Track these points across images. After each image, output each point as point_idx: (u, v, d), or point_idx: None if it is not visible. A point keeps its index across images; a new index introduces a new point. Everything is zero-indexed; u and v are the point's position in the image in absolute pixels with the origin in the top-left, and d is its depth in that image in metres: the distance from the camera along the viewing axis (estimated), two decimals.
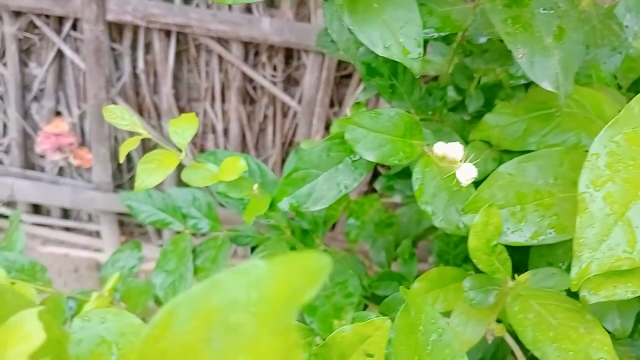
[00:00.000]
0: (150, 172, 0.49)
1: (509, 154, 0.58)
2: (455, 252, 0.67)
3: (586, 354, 0.38)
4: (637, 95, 0.39)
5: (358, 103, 1.67)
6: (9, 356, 0.19)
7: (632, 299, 0.49)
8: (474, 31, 0.62)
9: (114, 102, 1.61)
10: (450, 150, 0.43)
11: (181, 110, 1.65)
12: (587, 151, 0.41)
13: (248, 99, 1.63)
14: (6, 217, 1.81)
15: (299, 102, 1.60)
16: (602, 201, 0.37)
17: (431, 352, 0.37)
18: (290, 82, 1.63)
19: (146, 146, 1.69)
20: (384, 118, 0.49)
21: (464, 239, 0.67)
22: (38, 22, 1.55)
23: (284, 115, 1.66)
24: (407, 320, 0.37)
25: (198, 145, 1.70)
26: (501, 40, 0.59)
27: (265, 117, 1.66)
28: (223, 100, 1.62)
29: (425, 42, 0.49)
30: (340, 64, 1.54)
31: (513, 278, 0.45)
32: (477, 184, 0.50)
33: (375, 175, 1.53)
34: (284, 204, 0.56)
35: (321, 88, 1.51)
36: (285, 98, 1.55)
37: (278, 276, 0.17)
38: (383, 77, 0.61)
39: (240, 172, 0.53)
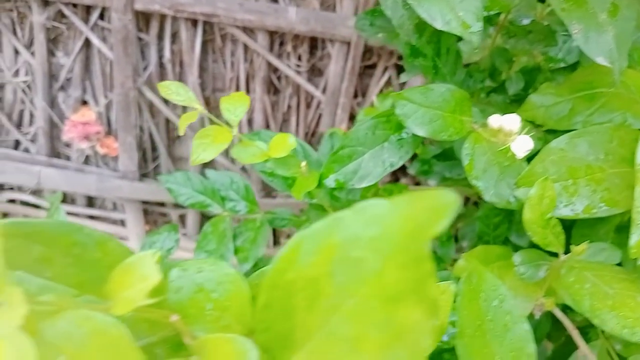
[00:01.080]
0: (205, 147, 0.50)
1: (553, 133, 0.59)
2: (495, 234, 0.67)
3: None
4: None
5: (382, 92, 1.67)
6: (127, 296, 0.20)
7: None
8: (517, 13, 0.63)
9: (141, 92, 1.63)
10: (507, 122, 0.43)
11: (206, 100, 1.67)
12: (637, 129, 0.42)
13: (272, 89, 1.64)
14: (33, 205, 1.84)
15: (323, 92, 1.60)
16: None
17: (492, 318, 0.38)
18: (315, 72, 1.64)
19: (170, 136, 1.71)
20: (435, 94, 0.50)
21: (503, 221, 0.68)
22: (66, 11, 1.57)
23: (308, 105, 1.67)
24: (469, 286, 0.38)
25: None
26: (546, 22, 0.60)
27: (289, 107, 1.66)
28: (247, 91, 1.63)
29: None
30: (365, 54, 1.55)
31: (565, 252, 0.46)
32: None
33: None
34: (330, 181, 0.57)
35: (346, 78, 1.51)
36: (310, 88, 1.56)
37: (400, 213, 0.18)
38: (426, 57, 0.61)
39: (289, 149, 0.54)
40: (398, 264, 0.17)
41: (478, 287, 0.38)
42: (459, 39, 0.66)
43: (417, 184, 1.57)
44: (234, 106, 0.54)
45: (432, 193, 0.17)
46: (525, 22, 0.61)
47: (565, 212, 0.46)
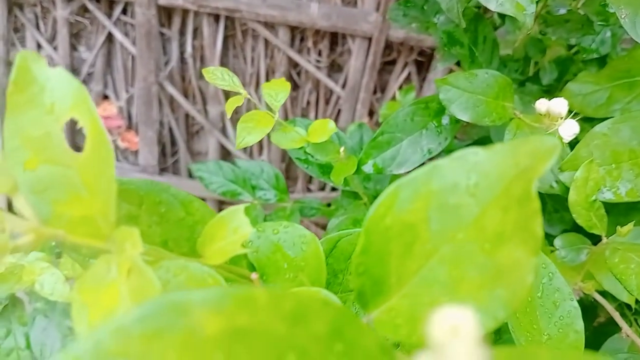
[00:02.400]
0: (250, 131, 0.51)
1: (590, 121, 0.59)
2: None
3: None
4: None
5: (401, 88, 1.67)
6: (221, 247, 0.21)
7: None
8: (553, 3, 0.63)
9: (162, 86, 1.64)
10: (555, 105, 0.44)
11: (226, 95, 1.68)
12: None
13: (292, 85, 1.65)
14: None
15: (343, 87, 1.61)
16: None
17: (542, 295, 0.38)
18: (334, 68, 1.64)
19: (190, 131, 1.72)
20: (478, 79, 0.50)
21: None
22: (90, 5, 1.59)
23: (327, 101, 1.67)
24: None
25: None
26: (581, 11, 0.60)
27: (309, 102, 1.67)
28: None
29: None
30: (385, 50, 1.55)
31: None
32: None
33: None
34: (368, 167, 0.57)
35: (366, 73, 1.52)
36: (330, 83, 1.57)
37: (500, 160, 0.18)
38: (463, 46, 0.62)
39: (329, 134, 0.55)
40: (500, 207, 0.17)
41: None
42: (496, 28, 0.67)
43: None
44: (275, 92, 0.55)
45: (533, 138, 0.17)
46: (562, 11, 0.61)
47: (609, 196, 0.46)
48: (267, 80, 1.63)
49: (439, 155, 0.90)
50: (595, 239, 0.52)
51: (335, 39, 1.59)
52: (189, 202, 0.25)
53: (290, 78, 1.63)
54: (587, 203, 0.44)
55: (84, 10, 1.63)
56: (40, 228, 0.17)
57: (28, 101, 0.18)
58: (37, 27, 1.67)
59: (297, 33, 1.56)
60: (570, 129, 0.43)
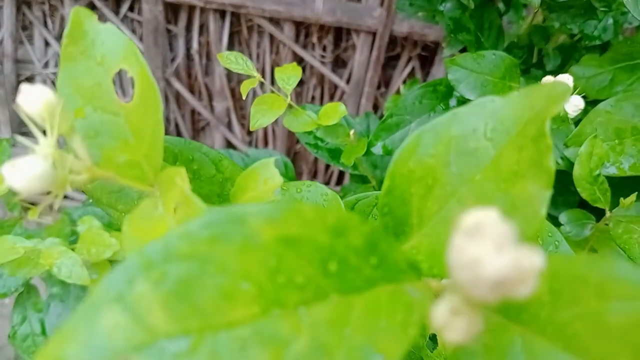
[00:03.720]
0: (264, 113, 0.53)
1: (594, 104, 0.61)
2: None
3: None
4: None
5: (405, 82, 1.68)
6: (252, 197, 0.23)
7: None
8: None
9: (169, 82, 1.66)
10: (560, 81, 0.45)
11: (232, 91, 1.70)
12: None
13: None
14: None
15: (347, 82, 1.62)
16: None
17: None
18: (339, 63, 1.66)
19: (196, 127, 1.74)
20: (486, 60, 0.52)
21: None
22: (97, 2, 1.61)
23: (331, 96, 1.68)
24: None
25: (246, 126, 1.74)
26: None
27: (313, 97, 1.69)
28: (272, 81, 1.65)
29: None
30: (389, 45, 1.56)
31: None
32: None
33: None
34: (377, 148, 0.59)
35: (371, 67, 1.53)
36: (335, 78, 1.58)
37: (515, 105, 0.20)
38: (470, 32, 0.63)
39: (340, 117, 0.57)
40: (515, 148, 0.19)
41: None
42: (501, 14, 0.68)
43: None
44: (287, 76, 0.57)
45: (545, 84, 0.19)
46: None
47: (612, 171, 0.48)
48: (273, 76, 1.65)
49: None
50: (599, 217, 0.53)
51: (339, 34, 1.60)
52: (219, 161, 0.27)
53: None
54: (591, 177, 0.46)
55: (92, 7, 1.65)
56: (93, 168, 0.18)
57: (80, 53, 0.19)
58: (45, 24, 1.69)
59: (302, 28, 1.58)
60: (575, 104, 0.45)
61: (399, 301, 0.15)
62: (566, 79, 0.45)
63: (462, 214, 0.13)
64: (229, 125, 1.73)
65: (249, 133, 1.75)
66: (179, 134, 1.76)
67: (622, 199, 0.47)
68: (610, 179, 0.67)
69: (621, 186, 0.61)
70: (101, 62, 0.20)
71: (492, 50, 0.52)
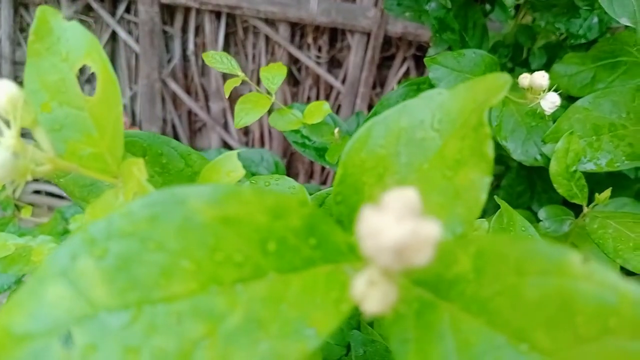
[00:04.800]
0: (248, 111, 0.53)
1: (575, 101, 0.61)
2: (517, 203, 0.70)
3: None
4: None
5: (399, 83, 1.69)
6: None
7: None
8: None
9: (165, 83, 1.67)
10: (537, 78, 0.46)
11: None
12: None
13: (293, 80, 1.67)
14: (58, 196, 1.88)
15: (343, 82, 1.63)
16: None
17: None
18: (334, 64, 1.66)
19: (192, 127, 1.75)
20: (466, 59, 0.52)
21: (526, 190, 0.71)
22: (94, 4, 1.62)
23: (327, 96, 1.69)
24: (500, 225, 0.41)
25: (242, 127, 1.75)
26: None
27: (309, 98, 1.69)
28: None
29: None
30: (384, 45, 1.57)
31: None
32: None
33: None
34: None
35: (365, 68, 1.54)
36: (330, 78, 1.59)
37: (460, 97, 0.21)
38: (454, 31, 0.64)
39: (324, 115, 0.57)
40: (458, 136, 0.20)
41: (508, 226, 0.41)
42: (486, 14, 0.69)
43: None
44: (273, 75, 0.58)
45: (488, 76, 0.20)
46: None
47: (590, 167, 0.48)
48: None
49: None
50: (578, 213, 0.54)
51: (334, 34, 1.61)
52: (188, 155, 0.28)
53: (290, 74, 1.66)
54: (568, 173, 0.47)
55: (89, 9, 1.66)
56: (56, 159, 0.19)
57: (46, 49, 0.20)
58: None
59: (297, 29, 1.59)
60: (552, 100, 0.45)
61: (335, 280, 0.16)
62: (541, 76, 0.45)
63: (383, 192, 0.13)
64: (225, 126, 1.74)
65: (246, 133, 1.76)
66: (175, 134, 1.77)
67: (597, 194, 0.48)
68: (596, 175, 0.68)
69: (606, 182, 0.62)
70: (66, 58, 0.21)
71: (473, 49, 0.53)
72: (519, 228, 0.41)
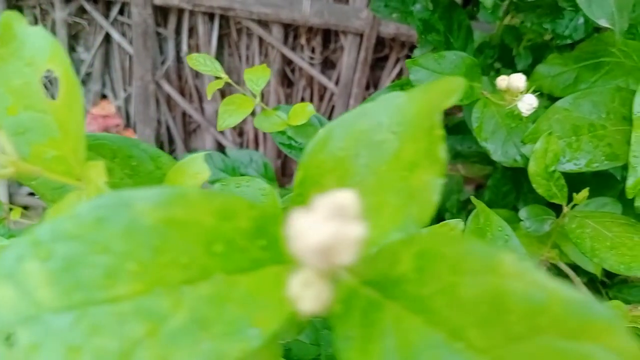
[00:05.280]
0: (231, 113, 0.54)
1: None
2: (503, 203, 0.70)
3: None
4: None
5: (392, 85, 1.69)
6: None
7: None
8: None
9: (159, 85, 1.67)
10: (514, 80, 0.47)
11: (222, 94, 1.71)
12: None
13: (286, 82, 1.68)
14: None
15: (336, 83, 1.64)
16: None
17: None
18: (328, 65, 1.67)
19: (187, 129, 1.75)
20: (447, 60, 0.53)
21: (511, 191, 0.71)
22: (87, 6, 1.62)
23: (321, 97, 1.70)
24: (477, 225, 0.41)
25: (237, 128, 1.75)
26: None
27: (303, 99, 1.70)
28: None
29: None
30: (377, 46, 1.58)
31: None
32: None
33: None
34: None
35: (359, 69, 1.55)
36: (323, 80, 1.60)
37: (416, 100, 0.21)
38: (439, 33, 0.64)
39: (308, 116, 0.58)
40: (414, 139, 0.20)
41: (485, 227, 0.41)
42: (471, 16, 0.70)
43: None
44: (256, 77, 0.58)
45: (442, 80, 0.20)
46: None
47: (569, 167, 0.49)
48: None
49: None
50: (560, 212, 0.54)
51: (328, 35, 1.62)
52: (157, 157, 0.28)
53: (284, 75, 1.66)
54: (547, 173, 0.47)
55: (82, 11, 1.66)
56: (20, 163, 0.20)
57: (10, 54, 0.21)
58: None
59: (291, 31, 1.59)
60: (529, 102, 0.46)
61: (282, 281, 0.16)
62: (518, 78, 0.46)
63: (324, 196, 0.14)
64: None
65: (240, 134, 1.77)
66: (170, 136, 1.77)
67: (574, 194, 0.48)
68: (582, 175, 0.69)
69: (592, 182, 0.62)
70: (30, 63, 0.21)
71: (454, 51, 0.53)
72: (496, 228, 0.41)
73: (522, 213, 0.51)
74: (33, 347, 0.13)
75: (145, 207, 0.15)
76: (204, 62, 0.54)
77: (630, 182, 0.42)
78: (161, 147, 1.79)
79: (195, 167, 0.25)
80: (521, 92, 0.47)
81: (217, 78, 0.58)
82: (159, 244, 0.15)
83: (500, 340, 0.13)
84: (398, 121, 0.21)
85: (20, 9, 1.65)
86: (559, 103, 0.50)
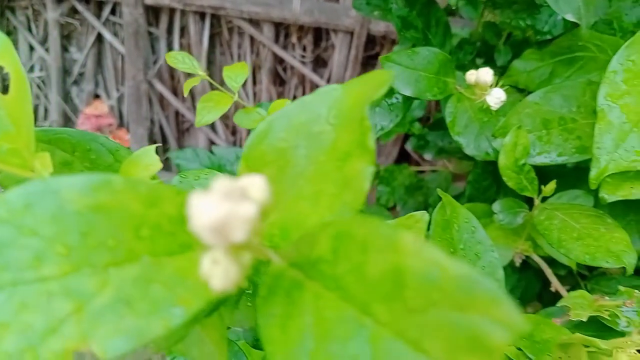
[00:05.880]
0: (209, 110, 0.55)
1: None
2: (484, 197, 0.71)
3: (606, 248, 0.42)
4: None
5: None
6: None
7: None
8: None
9: (151, 84, 1.68)
10: (482, 75, 0.47)
11: None
12: None
13: (278, 80, 1.68)
14: None
15: (328, 81, 1.64)
16: (619, 111, 0.42)
17: (465, 247, 0.42)
18: (319, 63, 1.68)
19: (180, 128, 1.76)
20: (420, 57, 0.54)
21: (492, 185, 0.72)
22: (79, 7, 1.63)
23: None
24: (443, 217, 0.42)
25: (230, 127, 1.76)
26: None
27: (295, 97, 1.70)
28: (254, 82, 1.68)
29: None
30: (368, 44, 1.58)
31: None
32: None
33: (403, 154, 1.58)
34: None
35: (349, 66, 1.55)
36: (315, 78, 1.60)
37: (351, 92, 0.22)
38: (417, 29, 0.65)
39: None
40: (348, 130, 0.21)
41: (452, 218, 0.42)
42: (449, 12, 0.70)
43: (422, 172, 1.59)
44: (235, 74, 0.59)
45: (375, 73, 0.21)
46: None
47: (540, 160, 0.49)
48: (254, 76, 1.67)
49: (390, 132, 0.92)
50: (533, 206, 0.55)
51: (319, 34, 1.62)
52: (116, 150, 0.29)
53: (276, 74, 1.67)
54: (517, 167, 0.48)
55: (74, 11, 1.67)
56: None
57: None
58: (29, 29, 1.71)
59: (282, 29, 1.60)
60: (497, 96, 0.47)
61: None
62: (486, 73, 0.47)
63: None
64: (212, 126, 1.75)
65: (233, 133, 1.77)
66: (163, 135, 1.78)
67: (542, 186, 0.49)
68: (563, 168, 0.69)
69: (572, 175, 0.63)
70: None
71: (427, 47, 0.54)
72: (463, 220, 0.42)
73: (496, 206, 0.52)
74: None
75: (71, 194, 0.16)
76: (182, 60, 0.55)
77: (593, 173, 0.43)
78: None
79: (148, 159, 0.26)
80: (490, 86, 0.48)
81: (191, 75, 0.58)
82: (86, 229, 0.16)
83: (400, 313, 0.14)
84: (335, 113, 0.22)
85: (12, 10, 1.66)
86: (529, 97, 0.51)
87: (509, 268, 0.71)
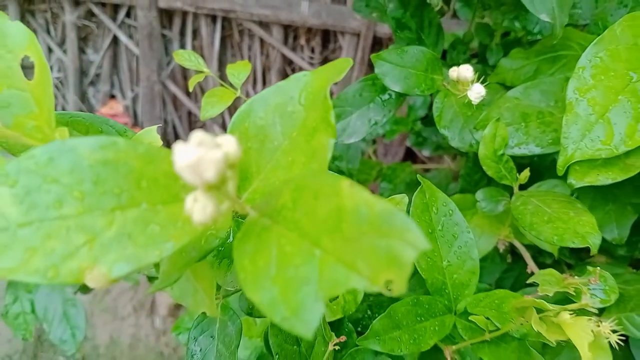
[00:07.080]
0: (213, 105, 0.59)
1: None
2: (475, 189, 0.74)
3: (574, 230, 0.46)
4: (621, 19, 0.47)
5: None
6: None
7: (627, 211, 0.57)
8: None
9: (165, 85, 1.73)
10: (462, 71, 0.51)
11: None
12: None
13: None
14: None
15: (335, 83, 1.68)
16: (587, 104, 0.45)
17: (442, 228, 0.46)
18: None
19: (192, 127, 1.81)
20: (408, 55, 0.58)
21: (483, 178, 0.75)
22: (96, 10, 1.69)
23: None
24: (422, 200, 0.46)
25: None
26: None
27: None
28: (264, 82, 1.72)
29: None
30: (374, 46, 1.62)
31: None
32: None
33: (410, 153, 1.61)
34: None
35: (356, 68, 1.59)
36: None
37: (318, 77, 0.26)
38: (411, 30, 0.69)
39: None
40: (314, 109, 0.25)
41: (430, 202, 0.46)
42: (441, 14, 0.74)
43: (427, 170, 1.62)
44: (238, 71, 0.63)
45: (337, 60, 0.25)
46: None
47: (518, 151, 0.53)
48: (264, 77, 1.72)
49: (393, 131, 0.96)
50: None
51: (327, 36, 1.67)
52: (124, 132, 0.34)
53: (285, 74, 1.71)
54: (496, 157, 0.51)
55: (91, 14, 1.73)
56: (4, 130, 0.25)
57: None
58: (48, 31, 1.77)
59: (290, 32, 1.65)
60: (477, 92, 0.50)
61: None
62: (466, 69, 0.51)
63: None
64: (224, 125, 1.80)
65: None
66: (176, 134, 1.83)
67: (517, 174, 0.53)
68: (542, 160, 0.73)
69: (550, 167, 0.66)
70: (11, 50, 0.26)
71: (416, 46, 0.58)
72: (441, 203, 0.46)
73: (479, 194, 0.56)
74: (3, 248, 0.19)
75: (85, 150, 0.20)
76: (188, 58, 0.60)
77: (560, 160, 0.46)
78: (168, 145, 1.85)
79: (149, 137, 0.30)
80: (471, 82, 0.52)
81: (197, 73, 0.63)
82: (96, 179, 0.20)
83: (340, 243, 0.18)
84: (305, 95, 0.26)
85: (32, 13, 1.72)
86: (510, 92, 0.55)
87: (498, 257, 0.74)
